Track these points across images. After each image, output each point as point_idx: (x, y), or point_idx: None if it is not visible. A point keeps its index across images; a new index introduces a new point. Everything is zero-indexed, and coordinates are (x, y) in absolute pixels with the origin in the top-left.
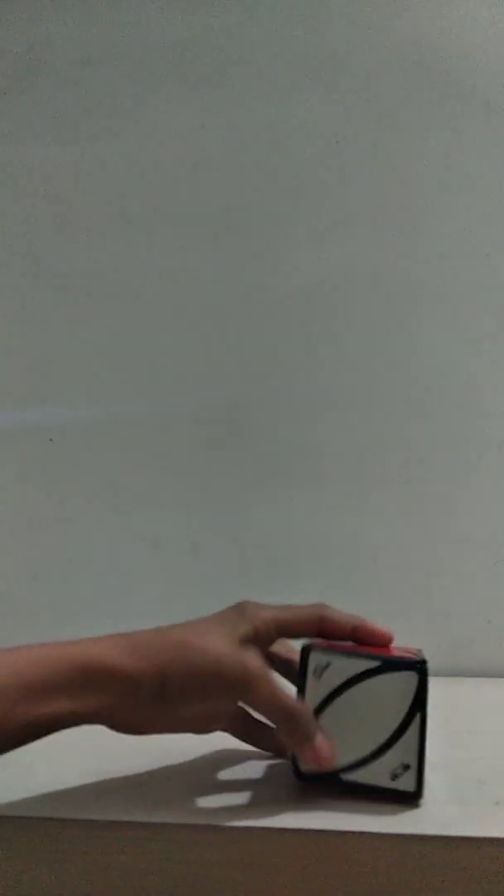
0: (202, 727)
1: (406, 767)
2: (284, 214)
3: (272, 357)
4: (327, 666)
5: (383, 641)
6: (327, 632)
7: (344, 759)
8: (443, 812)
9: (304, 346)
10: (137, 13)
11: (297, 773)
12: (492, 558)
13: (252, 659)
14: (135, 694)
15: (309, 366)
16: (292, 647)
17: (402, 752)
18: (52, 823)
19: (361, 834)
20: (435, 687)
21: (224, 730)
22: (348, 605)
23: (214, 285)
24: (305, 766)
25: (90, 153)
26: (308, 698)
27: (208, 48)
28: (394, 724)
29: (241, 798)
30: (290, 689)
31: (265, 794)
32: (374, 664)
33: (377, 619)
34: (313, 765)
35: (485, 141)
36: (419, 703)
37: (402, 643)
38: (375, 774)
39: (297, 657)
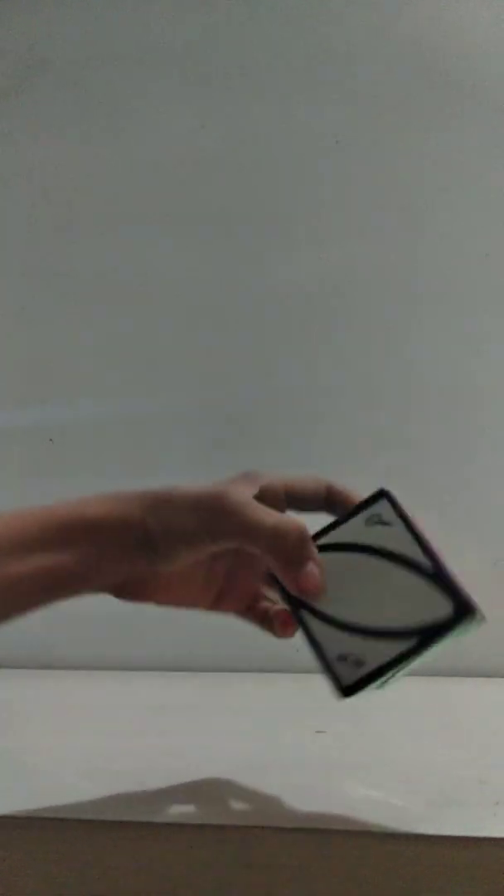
0: (206, 597)
1: (359, 664)
2: (284, 214)
3: (272, 357)
4: (387, 524)
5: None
6: (334, 502)
7: (320, 603)
8: (443, 812)
9: (304, 346)
10: (137, 13)
11: (284, 594)
12: (491, 558)
13: (236, 487)
14: (119, 542)
15: (309, 366)
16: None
17: (371, 649)
18: (52, 823)
19: (361, 834)
20: (435, 687)
21: (232, 609)
22: None
23: (214, 285)
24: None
25: (90, 153)
26: (341, 530)
27: (208, 48)
28: (391, 626)
29: (241, 798)
30: None
31: (265, 794)
32: (426, 564)
33: None
34: (294, 591)
35: (485, 141)
36: (433, 634)
37: None
38: (328, 641)
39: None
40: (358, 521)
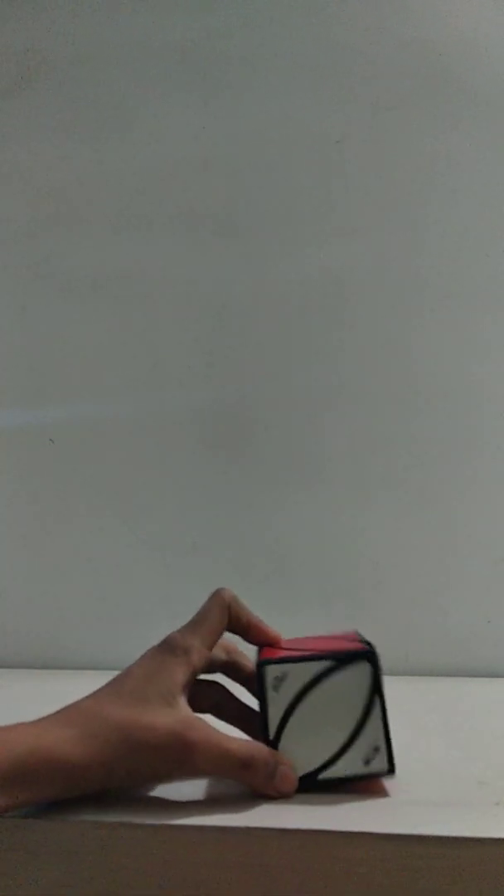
0: None
1: (376, 750)
2: (285, 215)
3: (273, 358)
4: (284, 677)
5: (273, 641)
6: (231, 625)
7: (317, 760)
8: (443, 812)
9: (305, 346)
10: (137, 13)
11: None
12: (492, 558)
13: (193, 729)
14: (80, 783)
15: (310, 366)
16: (233, 647)
17: (370, 737)
18: (52, 824)
19: (361, 834)
20: (435, 687)
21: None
22: (348, 606)
23: (215, 285)
24: None
25: (91, 153)
26: (272, 712)
27: (209, 48)
28: (357, 714)
29: (241, 798)
30: (234, 687)
31: None
32: (328, 664)
33: (377, 619)
34: (274, 795)
35: (486, 141)
36: (377, 686)
37: (402, 643)
38: (349, 765)
39: (240, 658)
40: (271, 696)
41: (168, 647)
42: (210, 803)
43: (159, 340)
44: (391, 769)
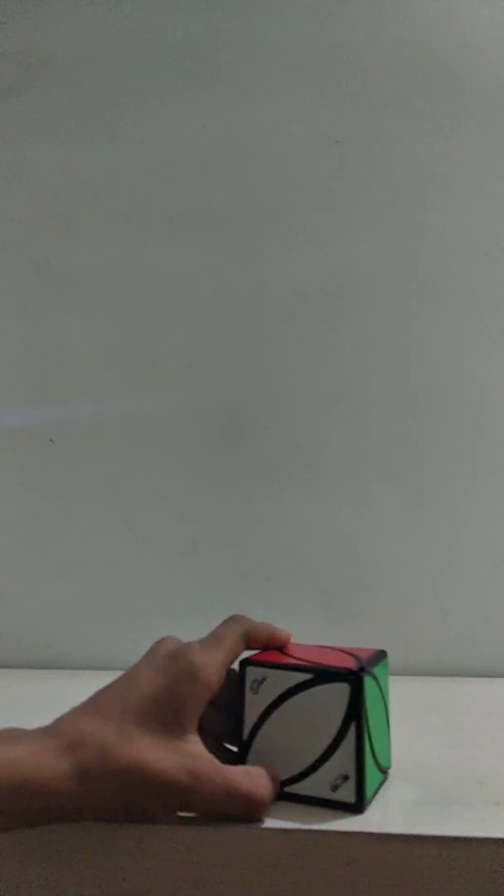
0: None
1: (345, 778)
2: (285, 214)
3: (273, 357)
4: (263, 680)
5: (282, 644)
6: (248, 647)
7: (285, 771)
8: (443, 812)
9: (305, 346)
10: (137, 13)
11: None
12: (492, 558)
13: (199, 779)
14: (71, 818)
15: (309, 366)
16: None
17: (340, 763)
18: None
19: (361, 834)
20: (435, 687)
21: None
22: (349, 606)
23: (214, 285)
24: None
25: (90, 153)
26: (247, 713)
27: (208, 48)
28: (330, 735)
29: None
30: None
31: None
32: (307, 676)
33: (377, 619)
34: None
35: (485, 141)
36: (354, 712)
37: (402, 643)
38: (315, 786)
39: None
40: (249, 697)
41: (186, 667)
42: None
43: (159, 340)
44: (359, 804)
